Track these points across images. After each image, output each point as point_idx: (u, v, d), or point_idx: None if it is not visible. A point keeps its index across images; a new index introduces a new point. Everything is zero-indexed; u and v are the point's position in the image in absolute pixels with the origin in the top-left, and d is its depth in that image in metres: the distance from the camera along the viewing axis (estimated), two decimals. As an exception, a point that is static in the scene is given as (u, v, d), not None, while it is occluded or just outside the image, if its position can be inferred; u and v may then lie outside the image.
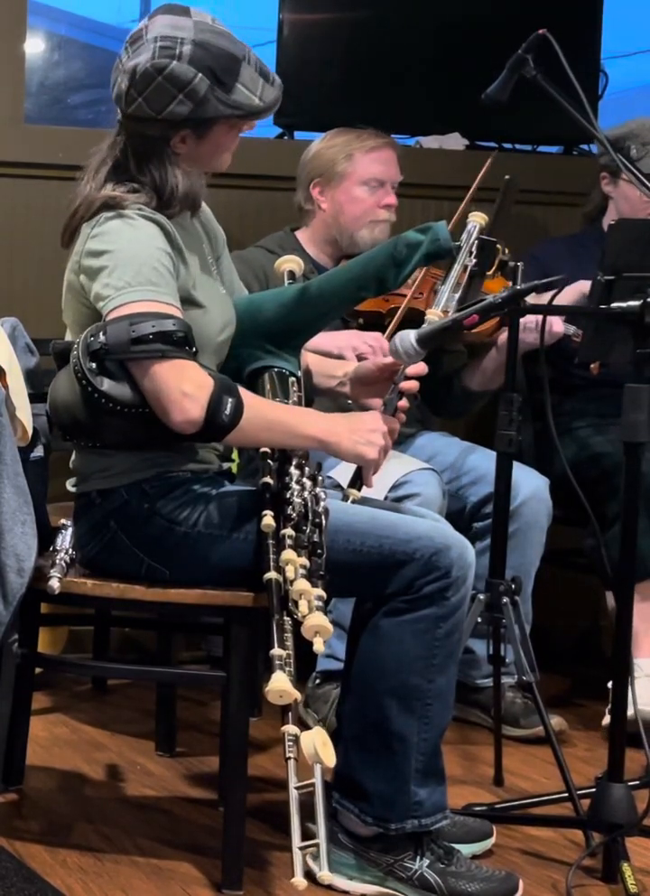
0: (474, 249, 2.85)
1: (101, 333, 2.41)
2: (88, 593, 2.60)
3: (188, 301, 2.53)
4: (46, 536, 2.64)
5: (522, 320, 3.05)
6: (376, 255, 2.68)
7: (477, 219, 2.91)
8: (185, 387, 2.40)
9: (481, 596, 2.95)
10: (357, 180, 3.54)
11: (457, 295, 2.79)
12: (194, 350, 2.45)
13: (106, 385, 2.42)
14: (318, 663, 3.39)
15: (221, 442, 2.52)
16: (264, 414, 2.50)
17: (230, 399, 2.42)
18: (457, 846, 2.56)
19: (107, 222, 2.51)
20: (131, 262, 2.45)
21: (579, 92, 2.97)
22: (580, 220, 3.92)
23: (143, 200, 2.52)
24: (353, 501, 2.61)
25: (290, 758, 2.18)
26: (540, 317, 2.90)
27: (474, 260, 2.85)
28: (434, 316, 2.73)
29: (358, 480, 2.62)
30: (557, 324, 3.35)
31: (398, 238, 2.65)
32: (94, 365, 2.42)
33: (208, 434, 2.45)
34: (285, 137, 4.25)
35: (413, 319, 3.11)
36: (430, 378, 2.77)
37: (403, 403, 2.64)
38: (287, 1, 4.22)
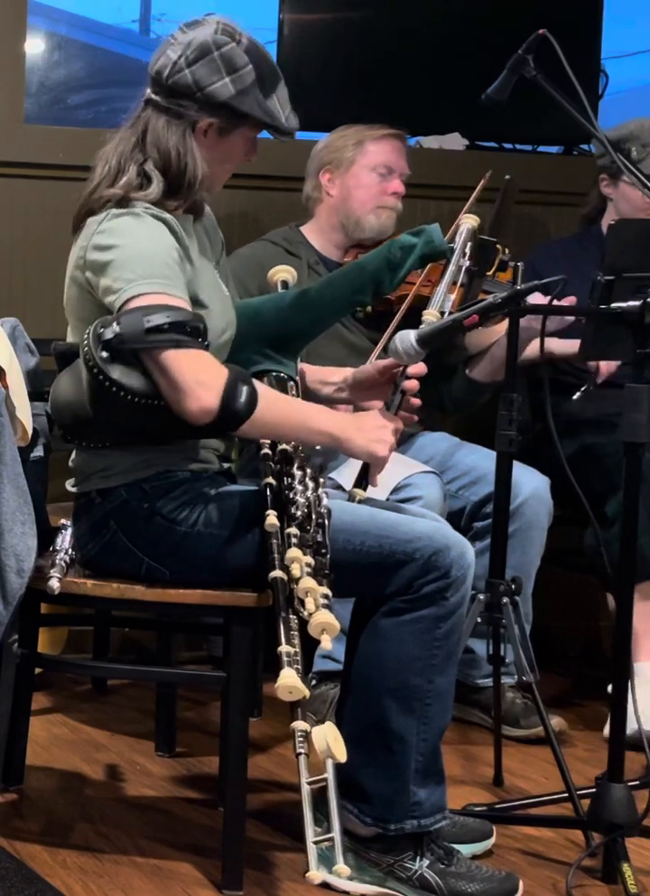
0: (468, 250, 2.86)
1: (115, 323, 2.40)
2: (88, 593, 2.60)
3: (192, 300, 2.52)
4: (46, 536, 2.64)
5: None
6: (370, 259, 2.70)
7: (469, 221, 2.92)
8: (201, 376, 2.40)
9: (481, 596, 2.95)
10: (367, 165, 3.58)
11: (452, 296, 2.80)
12: (207, 343, 2.45)
13: (117, 372, 2.41)
14: (314, 663, 3.39)
15: (236, 432, 2.49)
16: (277, 406, 2.50)
17: (245, 387, 2.41)
18: (457, 846, 2.56)
19: (115, 218, 2.51)
20: (142, 256, 2.45)
21: (579, 92, 2.97)
22: (579, 222, 3.91)
23: (153, 192, 2.52)
24: (359, 501, 2.61)
25: (300, 754, 2.18)
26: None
27: (468, 262, 2.85)
28: (431, 317, 2.74)
29: (364, 480, 2.62)
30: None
31: (392, 241, 2.68)
32: (105, 354, 2.40)
33: (222, 424, 2.43)
34: (285, 137, 4.25)
35: (423, 306, 3.12)
36: (432, 373, 2.78)
37: (416, 401, 2.64)
38: (287, 1, 4.22)
